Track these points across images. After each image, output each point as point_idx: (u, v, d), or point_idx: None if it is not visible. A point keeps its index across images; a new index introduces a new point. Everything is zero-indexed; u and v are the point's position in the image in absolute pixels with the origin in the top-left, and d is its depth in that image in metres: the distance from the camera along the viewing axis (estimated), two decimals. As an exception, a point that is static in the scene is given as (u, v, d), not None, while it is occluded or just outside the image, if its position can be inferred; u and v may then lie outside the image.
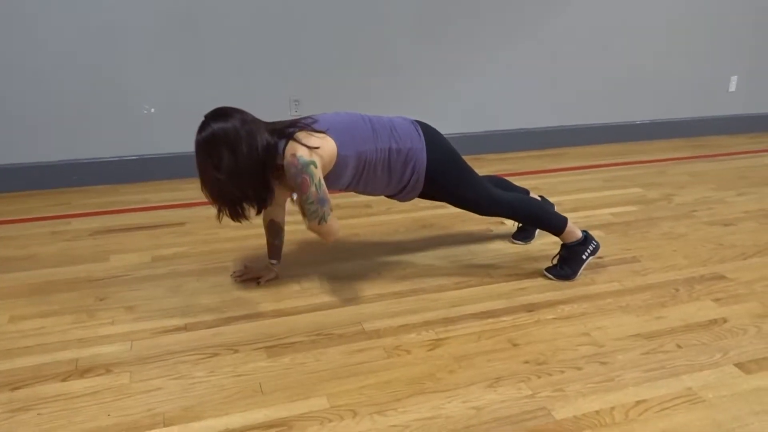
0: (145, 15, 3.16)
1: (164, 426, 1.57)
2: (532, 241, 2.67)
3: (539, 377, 1.78)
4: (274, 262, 2.33)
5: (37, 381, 1.74)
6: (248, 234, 2.71)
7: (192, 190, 3.30)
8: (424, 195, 2.26)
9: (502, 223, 2.87)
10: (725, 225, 2.90)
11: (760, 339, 1.97)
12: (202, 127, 1.95)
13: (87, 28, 3.11)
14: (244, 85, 3.42)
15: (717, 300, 2.21)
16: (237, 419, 1.60)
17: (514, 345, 1.93)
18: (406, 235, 2.76)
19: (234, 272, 2.36)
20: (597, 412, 1.64)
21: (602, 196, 3.29)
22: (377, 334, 1.99)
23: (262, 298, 2.19)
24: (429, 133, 2.19)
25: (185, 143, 3.42)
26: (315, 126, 2.01)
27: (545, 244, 2.65)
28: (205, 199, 2.96)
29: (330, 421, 1.60)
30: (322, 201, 1.96)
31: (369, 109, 3.60)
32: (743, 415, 1.63)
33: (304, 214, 1.99)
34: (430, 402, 1.67)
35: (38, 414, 1.62)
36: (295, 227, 2.68)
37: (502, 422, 1.59)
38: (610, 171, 3.73)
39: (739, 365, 1.84)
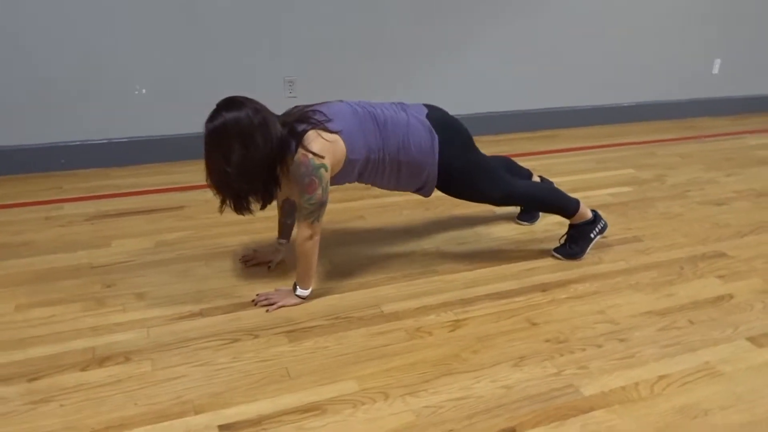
0: (133, -7, 3.06)
1: (195, 413, 1.55)
2: (537, 222, 2.69)
3: (562, 355, 1.80)
4: (283, 241, 2.30)
5: (56, 371, 1.70)
6: (252, 218, 2.65)
7: (186, 173, 3.23)
8: (441, 190, 2.24)
9: (504, 204, 2.89)
10: (718, 204, 2.97)
11: (765, 314, 2.03)
12: (214, 115, 1.88)
13: (75, 6, 2.99)
14: (237, 65, 3.35)
15: (721, 277, 2.27)
16: (268, 405, 1.58)
17: (533, 324, 1.95)
18: (410, 218, 2.75)
19: (242, 257, 2.32)
20: (623, 388, 1.67)
21: (597, 177, 3.34)
22: (396, 316, 1.99)
23: (275, 283, 2.16)
24: (444, 137, 2.09)
25: (178, 125, 3.37)
26: (329, 126, 1.94)
27: (550, 224, 2.68)
28: (201, 183, 2.91)
29: (363, 404, 1.59)
30: (323, 204, 1.94)
31: (363, 91, 3.58)
32: (760, 387, 1.68)
33: (299, 209, 1.96)
34: (459, 382, 1.68)
35: (61, 405, 1.57)
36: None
37: (533, 400, 1.61)
38: (602, 152, 3.78)
39: (751, 339, 1.89)
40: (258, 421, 1.53)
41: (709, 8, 4.40)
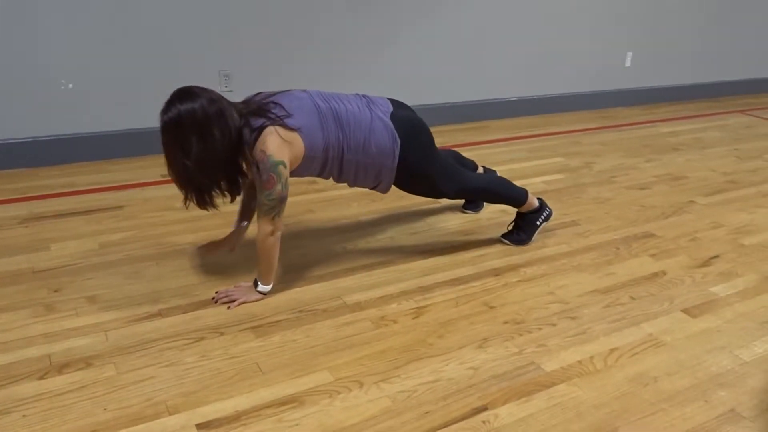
0: (57, -18, 2.90)
1: (170, 414, 1.52)
2: (482, 210, 2.80)
3: (521, 335, 1.90)
4: (244, 223, 2.25)
5: (10, 381, 1.61)
6: (198, 214, 2.61)
7: (122, 171, 3.11)
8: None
9: (448, 194, 2.97)
10: (642, 189, 3.19)
11: (695, 287, 2.22)
12: (167, 107, 1.83)
13: (-10, -5, 2.80)
14: (170, 58, 3.25)
15: (653, 255, 2.45)
16: (244, 400, 1.58)
17: (491, 308, 2.04)
18: (360, 210, 2.78)
19: (199, 246, 2.24)
20: (579, 362, 1.78)
21: (531, 165, 3.49)
22: (359, 306, 2.02)
23: (233, 280, 2.14)
24: (406, 139, 2.10)
25: (109, 121, 3.23)
26: (288, 122, 1.92)
27: (494, 212, 2.79)
28: (139, 181, 2.83)
29: (339, 393, 1.62)
30: (283, 199, 1.94)
31: (299, 82, 3.57)
32: (699, 353, 1.84)
33: (259, 205, 1.94)
34: (429, 366, 1.74)
35: (23, 415, 1.50)
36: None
37: (500, 379, 1.69)
38: (532, 142, 3.95)
39: (685, 311, 2.06)
40: (236, 416, 1.52)
41: (622, 5, 4.68)
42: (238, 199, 2.09)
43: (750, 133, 4.40)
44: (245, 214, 2.26)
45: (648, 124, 4.52)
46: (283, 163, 1.89)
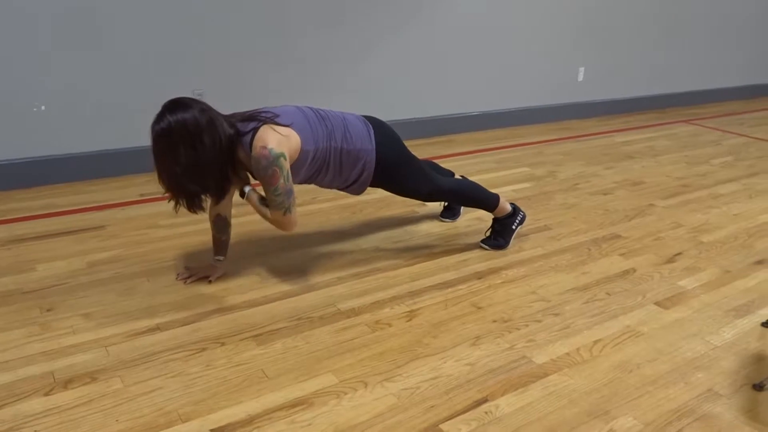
0: (36, 3, 2.89)
1: (182, 422, 1.55)
2: (459, 218, 2.91)
3: (510, 332, 2.00)
4: (220, 258, 2.30)
5: (16, 399, 1.61)
6: (183, 231, 2.64)
7: (100, 192, 3.09)
8: (372, 185, 2.37)
9: (424, 204, 3.08)
10: (605, 194, 3.37)
11: (664, 282, 2.37)
12: (159, 118, 1.89)
13: (-40, 18, 2.78)
14: (144, 78, 3.26)
15: (622, 255, 2.60)
16: (254, 405, 1.62)
17: (479, 308, 2.14)
18: (341, 222, 2.85)
19: (178, 275, 2.29)
20: (568, 353, 1.89)
21: (499, 175, 3.64)
22: (354, 312, 2.09)
23: (226, 292, 2.18)
24: (379, 131, 2.25)
25: (84, 142, 3.22)
26: (278, 120, 2.03)
27: (470, 219, 2.90)
28: (120, 201, 2.86)
29: (345, 393, 1.68)
30: (289, 192, 2.01)
31: (271, 101, 3.63)
32: (674, 340, 1.98)
33: (270, 203, 2.02)
34: (428, 365, 1.82)
35: (35, 431, 1.51)
36: (234, 221, 2.66)
37: (496, 372, 1.79)
38: (498, 154, 4.11)
39: (658, 303, 2.21)
40: (249, 420, 1.57)
41: (574, 23, 4.93)
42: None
43: (696, 141, 4.68)
44: (220, 249, 2.30)
45: (603, 135, 4.75)
46: (284, 155, 1.97)
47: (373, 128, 2.25)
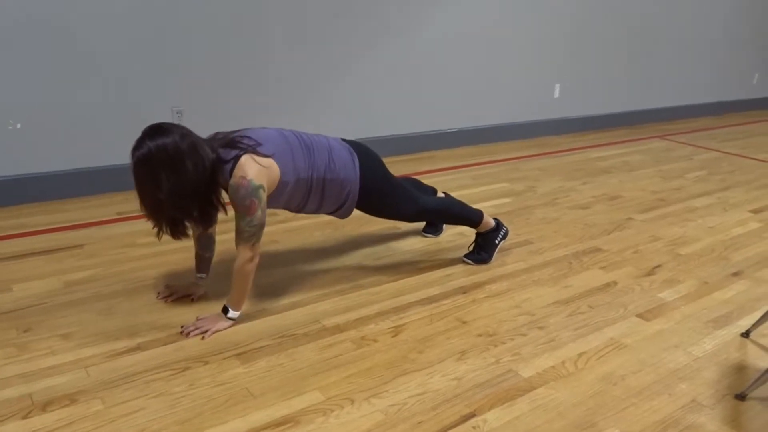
0: (8, 18, 2.85)
1: (166, 443, 1.52)
2: (441, 234, 2.92)
3: (495, 346, 2.00)
4: (202, 276, 2.26)
5: (-8, 423, 1.56)
6: (162, 249, 2.60)
7: (77, 210, 3.04)
8: (357, 208, 2.35)
9: (406, 220, 3.08)
10: (583, 208, 3.42)
11: (644, 294, 2.40)
12: (139, 144, 1.86)
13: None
14: (122, 96, 3.23)
15: (603, 268, 2.63)
16: (240, 424, 1.59)
17: (464, 323, 2.14)
18: (323, 239, 2.84)
19: (158, 294, 2.25)
20: (553, 367, 1.90)
21: (479, 191, 3.66)
22: (338, 328, 2.07)
23: (209, 310, 2.14)
24: (364, 159, 2.24)
25: (59, 161, 3.18)
26: (260, 150, 1.99)
27: (452, 235, 2.91)
28: (97, 219, 2.82)
29: (332, 411, 1.66)
30: (262, 225, 1.99)
31: (250, 117, 3.62)
32: (657, 351, 2.00)
33: (240, 233, 1.98)
34: (415, 380, 1.81)
35: (12, 456, 1.46)
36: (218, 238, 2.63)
37: (483, 387, 1.79)
38: (476, 170, 4.14)
39: (639, 315, 2.23)
40: (235, 440, 1.54)
41: (550, 41, 5.02)
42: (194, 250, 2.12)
43: (669, 156, 4.78)
44: (202, 267, 2.25)
45: (579, 150, 4.83)
46: (263, 187, 1.95)
47: (358, 155, 2.23)
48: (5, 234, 2.74)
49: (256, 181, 1.92)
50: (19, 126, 3.01)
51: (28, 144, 3.06)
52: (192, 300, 2.21)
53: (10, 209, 3.04)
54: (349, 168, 2.20)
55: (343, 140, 2.29)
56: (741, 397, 1.77)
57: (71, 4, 2.99)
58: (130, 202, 3.15)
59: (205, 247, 2.23)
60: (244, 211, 1.93)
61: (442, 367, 1.87)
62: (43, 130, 3.08)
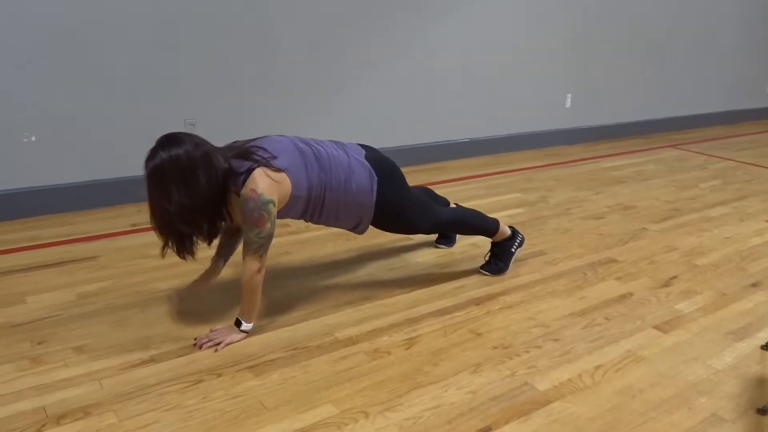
0: (23, 32, 2.89)
1: (180, 457, 1.51)
2: (455, 245, 2.90)
3: (510, 359, 1.98)
4: (221, 262, 2.24)
5: (6, 436, 1.56)
6: (175, 261, 2.57)
7: (89, 222, 3.05)
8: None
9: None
10: (597, 219, 3.39)
11: (661, 305, 2.37)
12: (152, 154, 1.86)
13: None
14: (135, 108, 3.25)
15: (618, 279, 2.60)
16: (253, 438, 1.58)
17: (478, 335, 2.12)
18: (335, 250, 2.83)
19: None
20: (569, 380, 1.87)
21: (492, 201, 3.65)
22: (351, 341, 2.06)
23: (222, 322, 2.14)
24: (384, 179, 2.19)
25: (73, 173, 3.19)
26: (274, 163, 1.97)
27: (465, 246, 2.89)
28: (109, 231, 2.82)
29: (346, 424, 1.64)
30: (271, 237, 1.98)
31: (263, 127, 3.63)
32: (676, 364, 1.97)
33: (248, 244, 1.96)
34: (429, 393, 1.79)
35: (26, 469, 1.45)
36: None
37: (498, 400, 1.76)
38: (489, 180, 4.12)
39: (657, 327, 2.20)
40: (248, 454, 1.52)
41: (561, 51, 5.01)
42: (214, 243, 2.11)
43: (683, 165, 4.74)
44: (223, 254, 2.25)
45: (592, 160, 4.80)
46: (273, 202, 1.94)
47: (379, 177, 2.17)
48: (19, 246, 2.75)
49: (267, 196, 1.92)
50: (33, 139, 3.04)
51: (42, 156, 3.08)
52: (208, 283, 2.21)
53: (25, 221, 3.05)
54: (366, 191, 2.16)
55: (368, 154, 2.22)
56: (763, 411, 1.74)
57: (84, 18, 3.02)
58: (142, 213, 3.16)
59: (232, 236, 2.22)
60: (252, 223, 1.93)
61: (456, 380, 1.85)
62: (57, 142, 3.11)
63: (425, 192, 2.70)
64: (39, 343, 1.98)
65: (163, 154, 1.84)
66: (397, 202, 2.26)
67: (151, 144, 1.89)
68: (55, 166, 3.13)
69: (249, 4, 3.48)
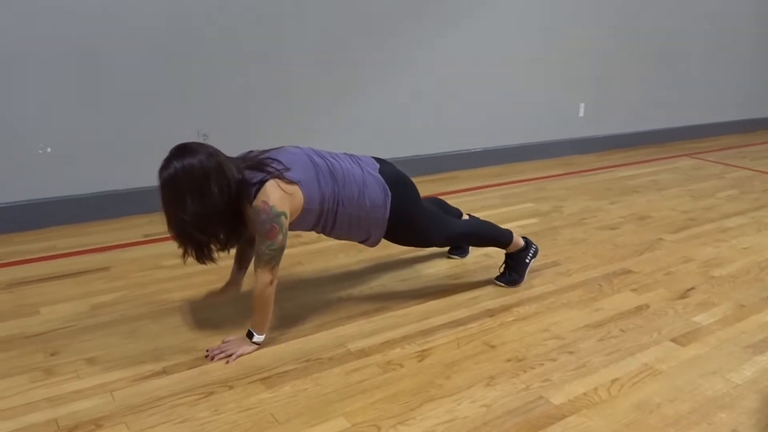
0: (39, 46, 2.92)
1: (191, 470, 1.50)
2: (467, 256, 2.88)
3: (525, 372, 1.95)
4: (242, 273, 2.27)
5: (18, 448, 1.56)
6: (188, 271, 2.60)
7: (103, 233, 3.07)
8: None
9: (431, 241, 3.05)
10: (612, 229, 3.35)
11: (678, 318, 2.33)
12: (165, 164, 1.87)
13: (-33, 62, 2.80)
14: (148, 119, 3.28)
15: (634, 290, 2.57)
16: (265, 451, 1.57)
17: (492, 347, 2.09)
18: (347, 260, 2.82)
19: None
20: (585, 393, 1.84)
21: (505, 211, 3.62)
22: (364, 352, 2.04)
23: (233, 333, 2.13)
24: (397, 195, 2.18)
25: (87, 183, 3.21)
26: (287, 175, 1.97)
27: (478, 256, 2.87)
28: (123, 242, 2.84)
29: (358, 438, 1.62)
30: (282, 249, 1.98)
31: (275, 138, 3.64)
32: (694, 378, 1.93)
33: (259, 255, 1.96)
34: (442, 407, 1.76)
35: (37, 482, 1.45)
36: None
37: (512, 414, 1.73)
38: (502, 190, 4.10)
39: (674, 340, 2.16)
40: (260, 468, 1.51)
41: (574, 61, 4.99)
42: (232, 251, 2.11)
43: (699, 175, 4.69)
44: (242, 263, 2.26)
45: (605, 170, 4.76)
46: (285, 214, 1.94)
47: (393, 193, 2.16)
48: (34, 257, 2.77)
49: (278, 208, 1.91)
50: (49, 150, 3.07)
51: (57, 167, 3.11)
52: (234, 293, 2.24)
53: (40, 232, 3.08)
54: (379, 207, 2.15)
55: (381, 167, 2.21)
56: (785, 426, 1.70)
57: (98, 30, 3.05)
58: (155, 224, 3.17)
59: (249, 244, 2.20)
60: (264, 235, 1.92)
61: (470, 393, 1.83)
62: (72, 153, 3.13)
63: (437, 203, 2.69)
64: (52, 354, 1.98)
65: (176, 164, 1.85)
66: (410, 216, 2.25)
67: (165, 155, 1.89)
68: (70, 176, 3.15)
69: (262, 16, 3.50)
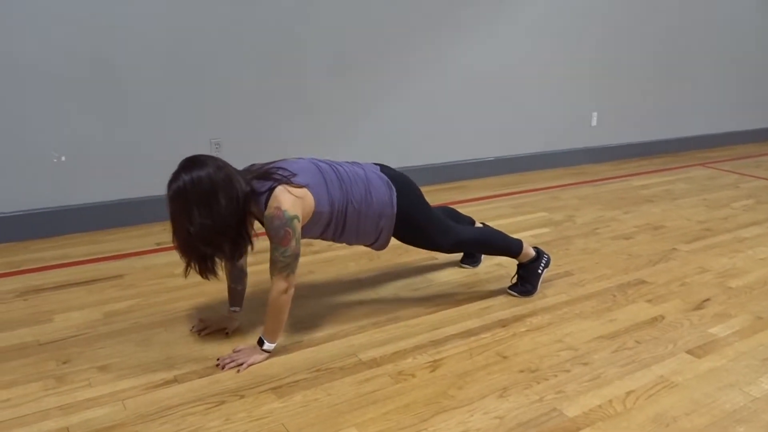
0: (53, 55, 2.96)
1: (202, 480, 1.49)
2: (480, 265, 2.86)
3: (538, 383, 1.93)
4: (236, 309, 2.24)
5: (30, 456, 1.56)
6: (200, 280, 2.58)
7: (116, 241, 3.09)
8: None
9: (443, 250, 3.04)
10: (626, 239, 3.32)
11: (694, 329, 2.30)
12: (175, 176, 1.88)
13: (-16, 72, 2.84)
14: (161, 128, 3.30)
15: (649, 301, 2.54)
16: (276, 462, 1.56)
17: (504, 357, 2.07)
18: (358, 269, 2.82)
19: (192, 328, 2.22)
20: (599, 406, 1.82)
21: (517, 221, 3.60)
22: (375, 362, 2.03)
23: (245, 343, 2.13)
24: (402, 191, 2.21)
25: (100, 192, 3.24)
26: (294, 180, 1.99)
27: (491, 266, 2.85)
28: (136, 250, 2.85)
29: (370, 449, 1.61)
30: (297, 256, 1.98)
31: (287, 148, 3.65)
32: (711, 391, 1.90)
33: (274, 263, 1.97)
34: (455, 418, 1.75)
35: (49, 490, 1.45)
36: (250, 269, 2.63)
37: (526, 426, 1.71)
38: (514, 199, 4.08)
39: (690, 352, 2.13)
40: (271, 479, 1.50)
41: (586, 70, 4.97)
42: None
43: (714, 184, 4.64)
44: (235, 300, 2.24)
45: (619, 179, 4.73)
46: (297, 218, 1.94)
47: (397, 189, 2.19)
48: (48, 264, 2.79)
49: (291, 212, 1.92)
50: (63, 159, 3.09)
51: (71, 176, 3.14)
52: (227, 334, 2.19)
53: (54, 239, 3.10)
54: (386, 201, 2.17)
55: (383, 169, 2.26)
56: (805, 441, 1.66)
57: (112, 41, 3.09)
58: (168, 232, 3.15)
59: (237, 280, 2.22)
60: (278, 241, 1.92)
61: (482, 405, 1.81)
62: (86, 162, 3.16)
63: (447, 212, 2.68)
64: (64, 362, 1.99)
65: (185, 177, 1.86)
66: (416, 214, 2.26)
67: (178, 163, 1.90)
68: (84, 185, 3.18)
69: (275, 26, 3.53)
